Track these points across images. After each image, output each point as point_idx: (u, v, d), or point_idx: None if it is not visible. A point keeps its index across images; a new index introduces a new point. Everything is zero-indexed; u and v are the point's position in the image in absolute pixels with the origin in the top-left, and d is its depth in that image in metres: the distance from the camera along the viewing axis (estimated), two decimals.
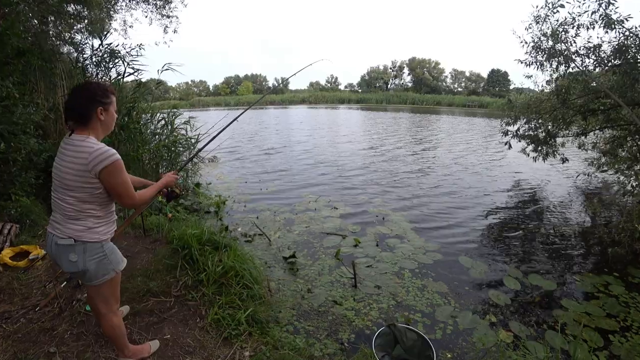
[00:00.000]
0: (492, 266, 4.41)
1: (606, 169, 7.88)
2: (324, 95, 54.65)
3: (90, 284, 1.72)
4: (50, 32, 7.44)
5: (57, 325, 2.41)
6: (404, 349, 2.70)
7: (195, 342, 2.34)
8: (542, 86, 7.89)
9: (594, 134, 8.03)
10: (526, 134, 8.21)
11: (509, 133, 8.44)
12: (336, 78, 68.41)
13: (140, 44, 5.86)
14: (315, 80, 68.95)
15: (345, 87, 68.36)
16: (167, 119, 6.87)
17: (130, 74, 5.90)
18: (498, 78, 54.32)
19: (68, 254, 1.62)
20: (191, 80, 68.17)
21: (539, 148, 8.13)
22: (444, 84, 61.00)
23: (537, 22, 6.58)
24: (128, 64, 5.78)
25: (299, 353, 2.45)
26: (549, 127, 7.76)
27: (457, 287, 3.93)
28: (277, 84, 68.99)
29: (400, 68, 62.55)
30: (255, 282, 3.07)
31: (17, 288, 2.82)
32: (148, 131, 6.75)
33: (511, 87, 51.82)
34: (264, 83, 71.38)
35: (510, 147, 8.53)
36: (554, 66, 6.58)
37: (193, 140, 7.15)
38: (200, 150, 2.79)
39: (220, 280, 2.92)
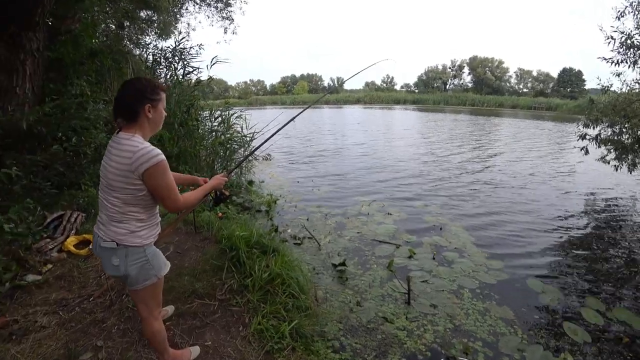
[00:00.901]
0: (567, 293, 3.79)
1: None
2: (379, 95, 53.77)
3: (131, 288, 1.65)
4: (125, 35, 8.01)
5: (106, 318, 2.44)
6: None
7: (236, 353, 2.22)
8: (629, 85, 6.89)
9: None
10: (609, 138, 7.19)
11: (587, 137, 7.47)
12: (392, 78, 67.04)
13: (200, 44, 6.03)
14: (371, 80, 68.11)
15: (402, 87, 66.68)
16: (223, 116, 7.01)
17: (189, 73, 6.09)
18: (570, 78, 49.29)
19: (111, 257, 1.56)
20: (250, 80, 71.22)
21: (623, 156, 7.07)
22: (508, 84, 56.97)
23: (632, 12, 5.72)
24: (188, 63, 5.96)
25: None
26: (638, 131, 6.69)
27: (525, 314, 3.41)
28: (332, 84, 69.46)
29: (460, 67, 59.60)
30: (302, 291, 2.90)
31: (77, 276, 2.93)
32: (205, 128, 6.96)
33: (586, 87, 46.95)
34: (319, 83, 72.09)
35: (587, 152, 7.56)
36: None
37: (248, 138, 7.25)
38: (253, 152, 2.69)
39: (266, 287, 2.78)
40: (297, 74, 72.51)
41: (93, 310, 2.50)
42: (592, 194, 7.82)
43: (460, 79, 60.46)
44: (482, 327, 3.18)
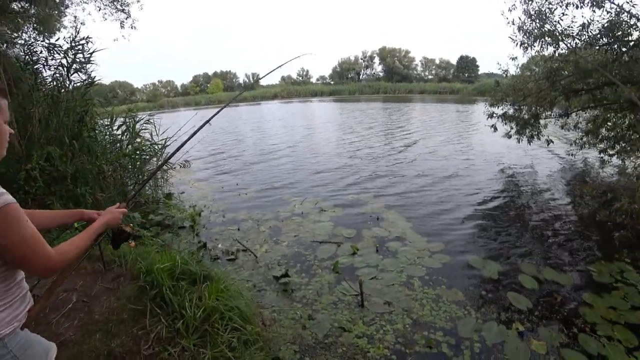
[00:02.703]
0: (503, 264, 4.03)
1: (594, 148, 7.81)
2: (296, 89, 53.76)
3: None
4: None
5: None
6: None
7: None
8: (518, 68, 7.88)
9: (576, 114, 7.94)
10: (512, 115, 8.05)
11: (494, 115, 8.26)
12: (307, 71, 67.37)
13: (88, 36, 5.06)
14: (287, 74, 67.61)
15: (317, 79, 67.46)
16: (127, 123, 6.07)
17: (77, 70, 5.09)
18: (467, 64, 54.90)
19: None
20: (158, 81, 65.54)
21: (523, 130, 7.97)
22: (415, 72, 61.33)
23: (523, 2, 6.33)
24: (75, 60, 4.96)
25: None
26: (533, 108, 7.60)
27: (473, 293, 3.52)
28: (247, 80, 67.48)
29: (371, 58, 62.36)
30: (247, 321, 2.50)
31: None
32: (107, 139, 5.98)
33: (479, 72, 53.11)
34: (234, 80, 69.44)
35: (495, 129, 8.35)
36: (543, 46, 6.36)
37: (159, 146, 6.41)
38: (159, 168, 2.19)
39: (202, 327, 2.31)
40: (208, 70, 69.02)
41: None
42: (501, 166, 8.64)
43: (372, 69, 63.26)
44: (438, 315, 3.18)
